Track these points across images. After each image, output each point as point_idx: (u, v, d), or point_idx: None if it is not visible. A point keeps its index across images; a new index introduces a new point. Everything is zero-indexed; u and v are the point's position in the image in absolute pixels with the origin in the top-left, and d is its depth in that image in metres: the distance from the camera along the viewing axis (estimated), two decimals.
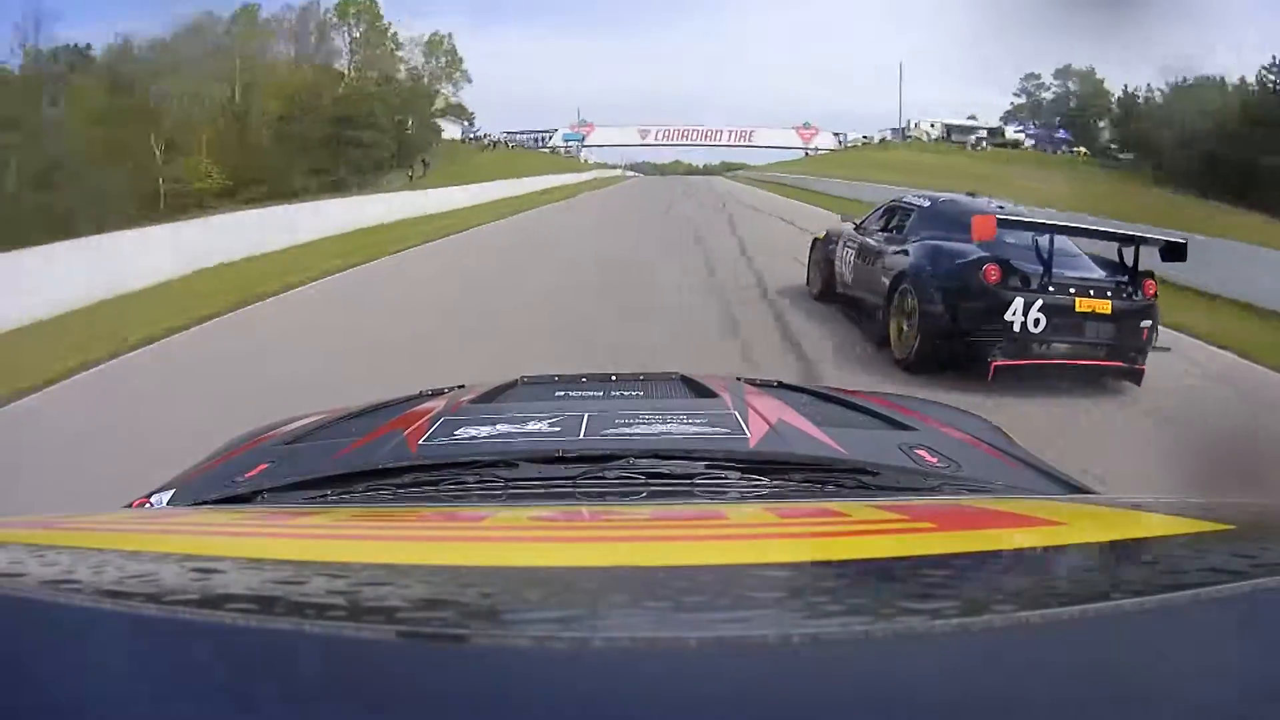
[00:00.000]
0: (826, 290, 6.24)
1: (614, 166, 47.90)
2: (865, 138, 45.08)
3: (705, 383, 1.29)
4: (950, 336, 4.23)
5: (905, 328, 4.53)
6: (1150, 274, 4.28)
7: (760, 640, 0.33)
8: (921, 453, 0.98)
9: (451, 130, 41.25)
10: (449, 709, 0.30)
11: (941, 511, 0.72)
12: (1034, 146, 38.26)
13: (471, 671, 0.32)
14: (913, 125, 43.16)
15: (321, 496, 0.87)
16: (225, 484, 0.97)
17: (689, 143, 49.68)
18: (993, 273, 4.13)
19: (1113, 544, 0.57)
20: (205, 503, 0.93)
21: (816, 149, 45.43)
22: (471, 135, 42.76)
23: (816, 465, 0.90)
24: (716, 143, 49.08)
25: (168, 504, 0.97)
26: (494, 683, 0.31)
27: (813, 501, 0.81)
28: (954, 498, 0.84)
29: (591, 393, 1.29)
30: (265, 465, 1.02)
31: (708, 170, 50.50)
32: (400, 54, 37.91)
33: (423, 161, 33.16)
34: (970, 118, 41.84)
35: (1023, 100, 40.38)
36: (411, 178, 30.19)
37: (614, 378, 1.42)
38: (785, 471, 0.88)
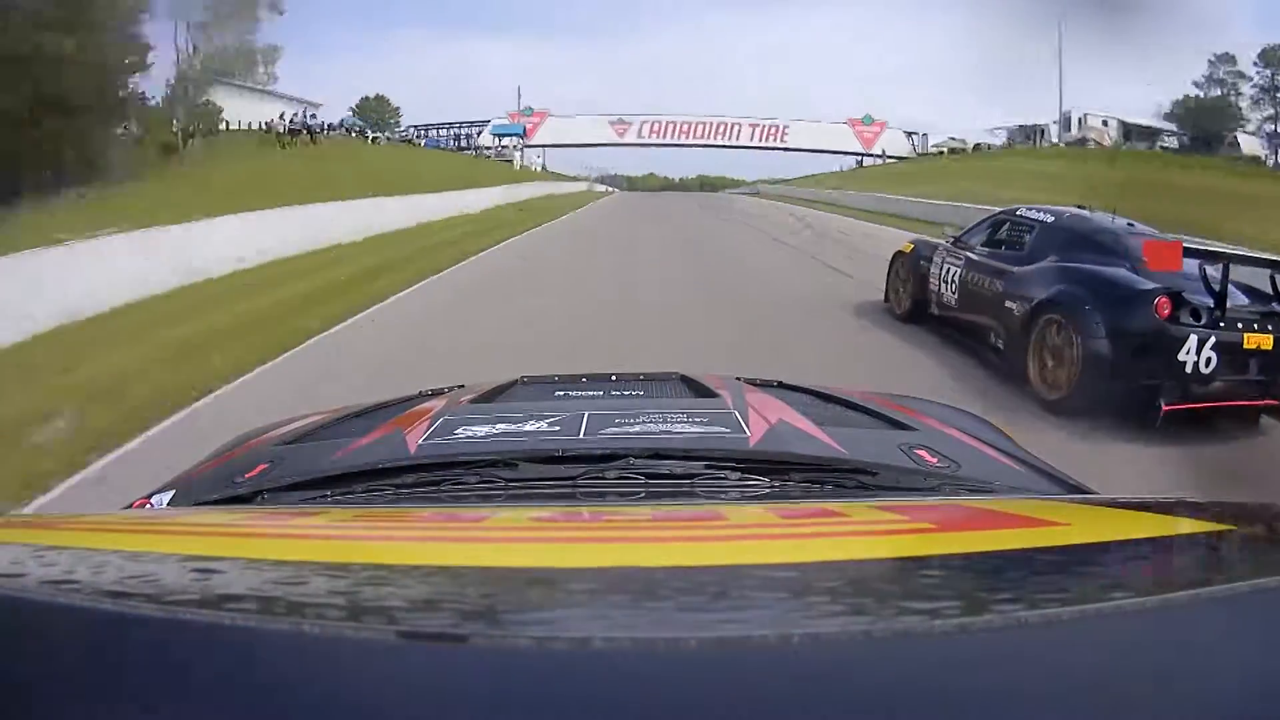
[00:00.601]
0: (915, 311, 5.71)
1: (578, 178, 32.65)
2: (956, 140, 32.08)
3: (705, 382, 1.29)
4: (1118, 378, 3.72)
5: (1052, 364, 4.03)
6: None
7: (760, 640, 0.33)
8: (921, 453, 0.98)
9: (260, 109, 22.91)
10: (449, 709, 0.30)
11: (941, 512, 0.72)
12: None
13: (471, 671, 0.32)
14: (1080, 122, 29.02)
15: (321, 496, 0.87)
16: (225, 484, 0.97)
17: (692, 141, 33.17)
18: (1165, 306, 3.64)
19: (1113, 544, 0.57)
20: (205, 503, 0.93)
21: (884, 154, 32.63)
22: (292, 121, 22.94)
23: (816, 465, 0.90)
24: (733, 142, 33.46)
25: (168, 504, 0.97)
26: (494, 683, 0.31)
27: (812, 502, 0.81)
28: (954, 498, 0.84)
29: (591, 392, 1.29)
30: (265, 465, 1.02)
31: (684, 185, 36.79)
32: None
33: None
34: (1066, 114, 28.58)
35: (1204, 94, 27.45)
36: None
37: (614, 377, 1.42)
38: (785, 471, 0.88)
